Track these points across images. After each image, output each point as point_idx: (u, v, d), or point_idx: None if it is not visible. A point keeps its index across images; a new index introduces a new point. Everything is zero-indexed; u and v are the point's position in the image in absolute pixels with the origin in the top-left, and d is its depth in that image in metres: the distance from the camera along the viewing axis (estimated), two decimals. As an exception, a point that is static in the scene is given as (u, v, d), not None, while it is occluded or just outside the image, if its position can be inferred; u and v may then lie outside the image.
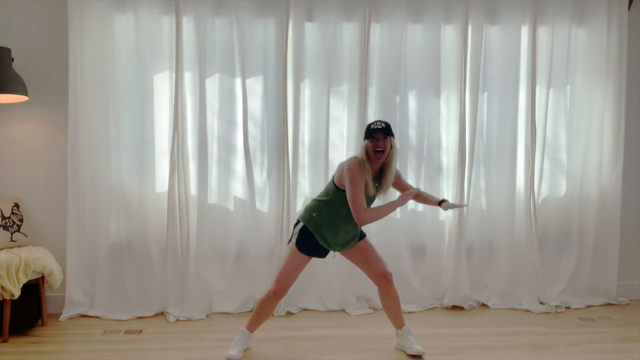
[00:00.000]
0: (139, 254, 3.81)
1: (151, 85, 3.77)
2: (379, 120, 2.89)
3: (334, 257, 3.16)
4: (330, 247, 2.99)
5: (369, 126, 2.89)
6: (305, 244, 2.95)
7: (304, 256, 2.97)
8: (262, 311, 3.05)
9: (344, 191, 2.86)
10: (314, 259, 3.14)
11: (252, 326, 3.11)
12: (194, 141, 3.80)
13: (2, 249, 3.48)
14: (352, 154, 3.89)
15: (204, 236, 3.81)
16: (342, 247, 3.02)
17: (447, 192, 4.05)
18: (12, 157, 3.77)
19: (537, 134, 3.98)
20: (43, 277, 3.49)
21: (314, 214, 2.94)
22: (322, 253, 3.03)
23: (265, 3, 3.78)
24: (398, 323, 3.15)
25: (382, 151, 2.83)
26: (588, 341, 3.35)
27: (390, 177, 2.91)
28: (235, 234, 3.90)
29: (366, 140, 2.87)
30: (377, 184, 2.92)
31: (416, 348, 3.06)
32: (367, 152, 2.85)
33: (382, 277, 3.04)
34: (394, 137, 2.88)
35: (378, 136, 2.83)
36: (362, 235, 3.08)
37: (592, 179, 4.12)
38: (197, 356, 3.08)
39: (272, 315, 3.77)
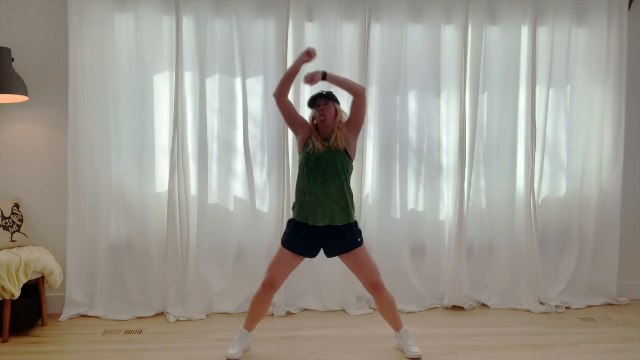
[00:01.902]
0: (139, 254, 3.81)
1: (151, 85, 3.77)
2: (322, 90, 3.02)
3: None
4: (307, 217, 2.93)
5: (311, 95, 3.03)
6: (286, 236, 3.02)
7: (286, 251, 2.99)
8: (255, 308, 3.06)
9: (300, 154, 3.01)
10: (313, 262, 3.12)
11: (249, 324, 3.11)
12: (194, 141, 3.80)
13: (2, 249, 3.48)
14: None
15: (204, 236, 3.81)
16: (316, 218, 2.92)
17: (447, 192, 4.05)
18: (12, 157, 3.77)
19: (537, 134, 3.98)
20: (43, 277, 3.49)
21: (293, 201, 3.05)
22: (302, 247, 2.99)
23: (265, 3, 3.79)
24: (395, 326, 3.15)
25: (325, 116, 2.94)
26: (588, 341, 3.35)
27: (339, 134, 2.95)
28: (235, 234, 3.90)
29: (312, 110, 3.02)
30: (327, 143, 2.96)
31: (414, 351, 3.06)
32: (314, 121, 3.02)
33: (372, 288, 3.02)
34: (338, 103, 3.00)
35: (320, 102, 2.96)
36: (358, 244, 2.99)
37: (592, 179, 4.12)
38: (197, 356, 3.08)
39: (272, 315, 3.79)
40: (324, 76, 2.93)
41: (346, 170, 2.97)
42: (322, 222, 2.94)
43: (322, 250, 3.07)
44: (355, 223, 3.04)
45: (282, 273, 3.02)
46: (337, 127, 2.97)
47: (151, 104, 3.77)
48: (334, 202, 2.93)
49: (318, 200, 2.93)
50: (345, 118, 3.03)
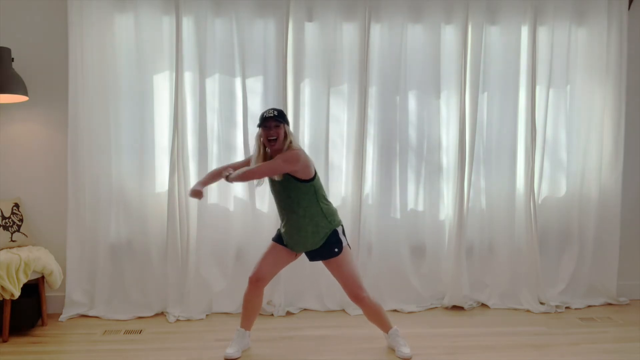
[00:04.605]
0: (139, 254, 3.81)
1: (151, 85, 3.77)
2: (272, 108, 2.90)
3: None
4: (289, 246, 3.01)
5: (262, 114, 2.88)
6: (277, 231, 3.09)
7: (275, 245, 3.03)
8: (247, 304, 3.07)
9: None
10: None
11: (245, 323, 3.13)
12: (194, 141, 3.80)
13: (2, 249, 3.48)
14: (352, 153, 3.91)
15: (204, 236, 3.81)
16: (297, 247, 2.98)
17: (447, 192, 4.05)
18: (12, 157, 3.77)
19: (537, 134, 3.98)
20: (43, 277, 3.49)
21: None
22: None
23: (265, 3, 3.78)
24: (384, 329, 3.15)
25: (276, 139, 2.84)
26: (588, 341, 3.35)
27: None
28: (235, 234, 3.90)
29: (259, 130, 2.89)
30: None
31: (404, 351, 3.06)
32: (262, 141, 2.90)
33: (353, 299, 3.01)
34: (287, 125, 2.90)
35: (270, 124, 2.84)
36: (335, 254, 2.92)
37: (592, 179, 4.12)
38: (197, 356, 3.08)
39: (272, 315, 3.79)
40: (227, 178, 2.87)
41: (304, 196, 2.86)
42: (297, 250, 3.00)
43: None
44: (335, 232, 2.93)
45: (269, 268, 3.02)
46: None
47: (151, 104, 3.77)
48: (302, 230, 2.90)
49: (287, 232, 2.96)
50: (294, 140, 2.91)
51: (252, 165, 2.91)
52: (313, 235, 2.90)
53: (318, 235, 2.90)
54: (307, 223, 2.88)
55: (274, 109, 2.88)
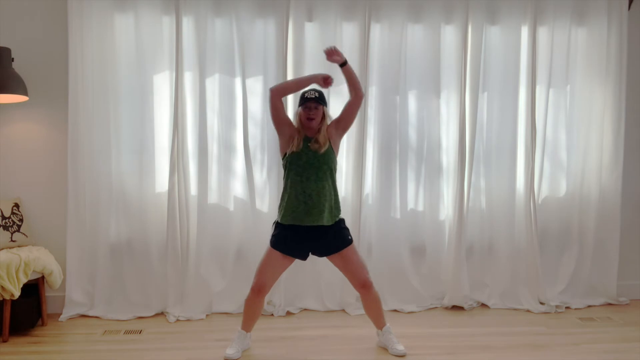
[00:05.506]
0: (139, 254, 3.81)
1: (151, 85, 3.77)
2: (313, 89, 3.01)
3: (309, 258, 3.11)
4: (297, 218, 2.92)
5: (302, 94, 3.02)
6: (275, 238, 3.00)
7: (276, 252, 2.97)
8: (248, 310, 3.07)
9: (286, 155, 3.00)
10: (313, 262, 3.12)
11: (245, 325, 3.12)
12: (194, 141, 3.80)
13: (2, 249, 3.48)
14: (352, 153, 3.92)
15: (204, 236, 3.81)
16: (309, 218, 2.90)
17: (447, 192, 4.05)
18: (12, 157, 3.77)
19: (537, 134, 3.98)
20: (43, 277, 3.49)
21: (280, 202, 3.03)
22: (293, 248, 2.97)
23: (265, 3, 3.79)
24: (379, 324, 3.16)
25: (314, 119, 2.95)
26: (588, 341, 3.35)
27: (322, 139, 2.96)
28: (235, 234, 3.90)
29: (299, 108, 3.01)
30: (308, 143, 2.96)
31: (399, 349, 3.07)
32: (300, 119, 3.00)
33: (361, 286, 3.02)
34: (326, 106, 3.03)
35: (310, 105, 2.94)
36: (349, 242, 3.01)
37: (592, 178, 4.12)
38: (197, 356, 3.08)
39: (272, 315, 3.79)
40: (343, 64, 2.98)
41: (334, 169, 3.02)
42: (310, 222, 2.92)
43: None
44: (343, 221, 3.06)
45: (271, 276, 3.01)
46: (322, 131, 2.96)
47: (151, 104, 3.77)
48: (324, 201, 2.92)
49: (307, 201, 2.91)
50: (329, 122, 3.04)
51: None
52: (329, 211, 2.95)
53: (330, 215, 2.97)
54: (329, 196, 2.95)
55: (315, 90, 3.00)
